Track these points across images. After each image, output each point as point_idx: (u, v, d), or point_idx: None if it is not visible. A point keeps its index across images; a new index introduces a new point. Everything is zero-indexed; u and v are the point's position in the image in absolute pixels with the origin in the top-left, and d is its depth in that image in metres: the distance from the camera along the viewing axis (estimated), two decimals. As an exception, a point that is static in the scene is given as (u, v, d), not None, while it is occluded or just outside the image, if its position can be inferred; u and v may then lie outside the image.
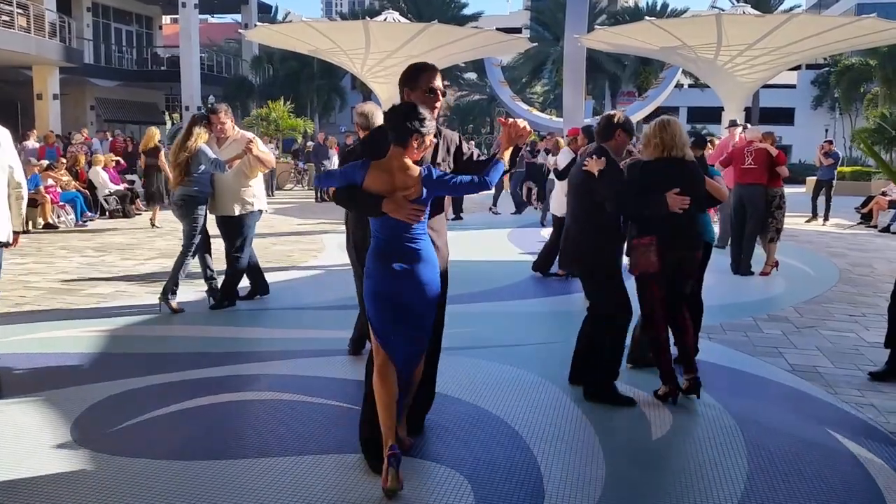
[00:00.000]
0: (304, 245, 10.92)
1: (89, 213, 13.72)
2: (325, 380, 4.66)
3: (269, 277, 8.24)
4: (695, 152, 5.45)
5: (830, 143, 15.75)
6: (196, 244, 6.36)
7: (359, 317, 4.99)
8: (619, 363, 4.37)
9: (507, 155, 3.31)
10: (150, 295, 6.54)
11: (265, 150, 6.60)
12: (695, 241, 4.44)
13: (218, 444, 3.66)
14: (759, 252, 8.88)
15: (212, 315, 6.36)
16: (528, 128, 3.37)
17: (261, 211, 6.68)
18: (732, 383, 4.82)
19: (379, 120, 5.63)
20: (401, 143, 3.12)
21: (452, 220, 14.45)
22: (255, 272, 6.88)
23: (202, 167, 6.24)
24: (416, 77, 3.41)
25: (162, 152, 12.91)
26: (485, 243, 11.26)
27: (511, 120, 3.37)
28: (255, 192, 6.59)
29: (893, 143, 24.03)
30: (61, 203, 13.04)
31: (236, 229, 6.54)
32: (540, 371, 4.82)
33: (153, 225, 12.62)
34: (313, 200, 19.17)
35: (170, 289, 6.29)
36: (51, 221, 12.51)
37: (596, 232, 4.31)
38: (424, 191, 3.12)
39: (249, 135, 6.56)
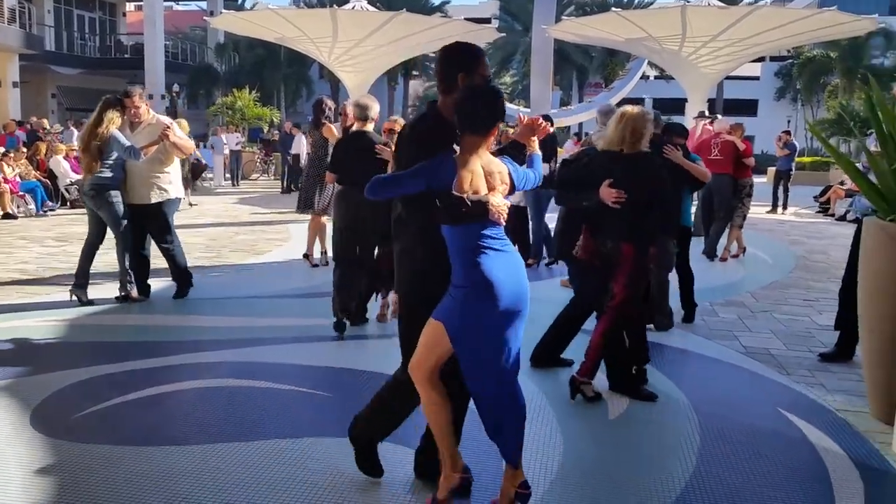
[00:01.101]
0: (269, 235, 10.88)
1: (50, 203, 13.51)
2: (286, 366, 4.68)
3: (233, 267, 8.24)
4: (677, 140, 5.65)
5: (788, 133, 16.07)
6: (126, 228, 6.11)
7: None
8: (640, 354, 4.38)
9: (536, 146, 3.14)
10: (111, 284, 6.48)
11: (182, 136, 6.38)
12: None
13: (179, 430, 3.66)
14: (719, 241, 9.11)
15: (174, 304, 6.33)
16: (545, 123, 3.14)
17: (178, 199, 6.48)
18: (687, 365, 4.95)
19: (376, 112, 5.77)
20: (483, 131, 2.75)
21: None
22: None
23: (115, 154, 5.97)
24: (477, 60, 3.00)
25: None
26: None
27: (528, 117, 3.14)
28: (172, 178, 6.34)
29: (852, 133, 24.56)
30: (21, 192, 12.82)
31: (154, 219, 6.28)
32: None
33: None
34: (279, 191, 19.05)
35: (125, 280, 6.20)
36: (9, 211, 12.29)
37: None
38: (516, 188, 2.84)
39: (167, 120, 6.34)
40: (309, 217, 8.21)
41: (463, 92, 2.80)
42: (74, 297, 6.08)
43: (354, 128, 5.75)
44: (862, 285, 3.95)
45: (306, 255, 8.32)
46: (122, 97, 6.21)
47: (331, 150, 7.29)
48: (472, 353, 2.75)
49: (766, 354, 5.15)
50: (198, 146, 24.31)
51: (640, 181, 4.06)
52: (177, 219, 6.64)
